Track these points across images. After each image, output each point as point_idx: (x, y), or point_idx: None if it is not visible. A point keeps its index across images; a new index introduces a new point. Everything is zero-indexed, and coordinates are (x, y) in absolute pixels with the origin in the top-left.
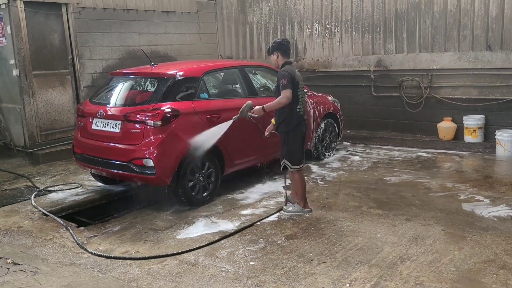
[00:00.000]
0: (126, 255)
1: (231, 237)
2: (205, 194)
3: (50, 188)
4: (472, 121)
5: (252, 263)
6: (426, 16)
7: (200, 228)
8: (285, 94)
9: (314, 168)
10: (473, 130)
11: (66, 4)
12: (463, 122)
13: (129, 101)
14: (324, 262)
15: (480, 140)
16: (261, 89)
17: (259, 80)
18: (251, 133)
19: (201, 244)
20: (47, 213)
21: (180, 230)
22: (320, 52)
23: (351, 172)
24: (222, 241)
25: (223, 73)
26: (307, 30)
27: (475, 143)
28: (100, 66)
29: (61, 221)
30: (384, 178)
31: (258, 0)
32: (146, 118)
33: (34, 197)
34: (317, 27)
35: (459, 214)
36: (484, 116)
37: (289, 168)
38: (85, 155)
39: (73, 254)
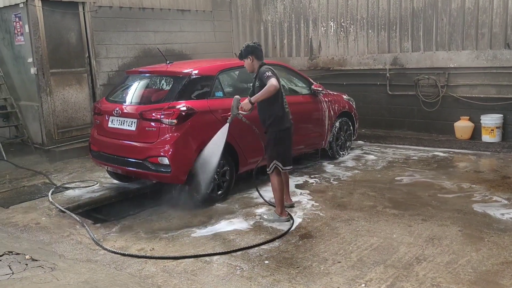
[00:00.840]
0: (142, 253)
1: (246, 235)
2: (219, 192)
3: (67, 185)
4: (490, 120)
5: (266, 262)
6: (443, 13)
7: (214, 226)
8: (272, 82)
9: (329, 167)
10: (491, 130)
11: (83, 3)
12: (481, 121)
13: (144, 99)
14: (339, 262)
15: (498, 139)
16: None
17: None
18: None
19: (217, 243)
20: (64, 210)
21: (195, 228)
22: (335, 51)
23: (366, 171)
24: (237, 240)
25: (238, 72)
26: (322, 28)
27: (492, 143)
28: (116, 65)
29: (78, 218)
30: (400, 178)
31: None
32: (162, 117)
33: (51, 194)
34: (332, 25)
35: (476, 215)
36: (502, 115)
37: (280, 169)
38: (101, 153)
39: (90, 250)
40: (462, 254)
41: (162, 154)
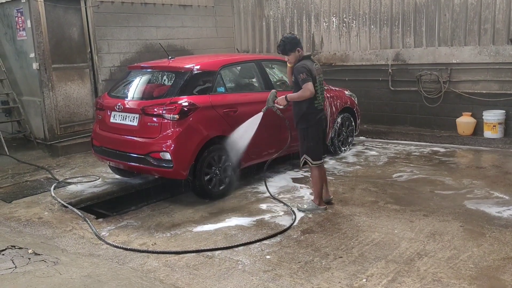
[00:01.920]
0: (144, 247)
1: (247, 230)
2: (221, 187)
3: (69, 180)
4: (492, 116)
5: (268, 257)
6: (446, 9)
7: (216, 221)
8: (307, 87)
9: (330, 162)
10: (493, 126)
11: None
12: (483, 117)
13: (146, 95)
14: (341, 257)
15: (500, 135)
16: (278, 83)
17: (275, 74)
18: (268, 127)
19: (218, 238)
20: (66, 205)
21: (196, 223)
22: (337, 46)
23: (368, 167)
24: (239, 235)
25: (240, 67)
26: (324, 23)
27: (494, 139)
28: (118, 60)
29: (80, 213)
30: (401, 174)
31: None
32: (164, 112)
33: (54, 189)
34: (335, 21)
35: (477, 211)
36: (504, 111)
37: (310, 164)
38: (103, 148)
39: (92, 245)
40: (463, 250)
41: (164, 149)
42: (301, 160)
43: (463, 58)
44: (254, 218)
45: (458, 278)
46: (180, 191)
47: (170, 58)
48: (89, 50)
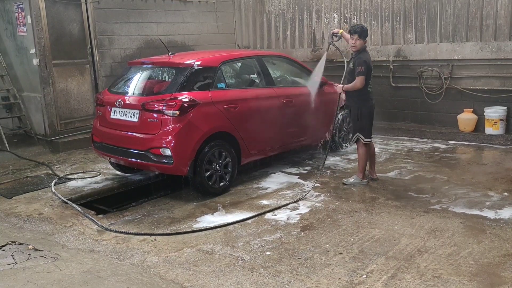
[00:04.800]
0: (144, 243)
1: (248, 226)
2: (221, 184)
3: (69, 176)
4: (494, 112)
5: (268, 253)
6: (447, 5)
7: (216, 217)
8: (359, 81)
9: (331, 159)
10: (495, 122)
11: None
12: (484, 113)
13: (147, 91)
14: (341, 253)
15: (502, 132)
16: (278, 79)
17: (276, 70)
18: (269, 123)
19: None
20: (67, 201)
21: (197, 219)
22: (338, 42)
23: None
24: (239, 231)
25: (240, 63)
26: (325, 19)
27: (496, 135)
28: (118, 56)
29: (80, 209)
30: (402, 170)
31: None
32: (164, 108)
33: (54, 185)
34: (336, 17)
35: (478, 207)
36: (506, 107)
37: (362, 141)
38: (103, 144)
39: (92, 241)
40: (464, 246)
41: (164, 145)
42: (353, 137)
43: (464, 54)
44: (254, 214)
45: (458, 274)
46: (180, 187)
47: (171, 54)
48: (90, 46)
